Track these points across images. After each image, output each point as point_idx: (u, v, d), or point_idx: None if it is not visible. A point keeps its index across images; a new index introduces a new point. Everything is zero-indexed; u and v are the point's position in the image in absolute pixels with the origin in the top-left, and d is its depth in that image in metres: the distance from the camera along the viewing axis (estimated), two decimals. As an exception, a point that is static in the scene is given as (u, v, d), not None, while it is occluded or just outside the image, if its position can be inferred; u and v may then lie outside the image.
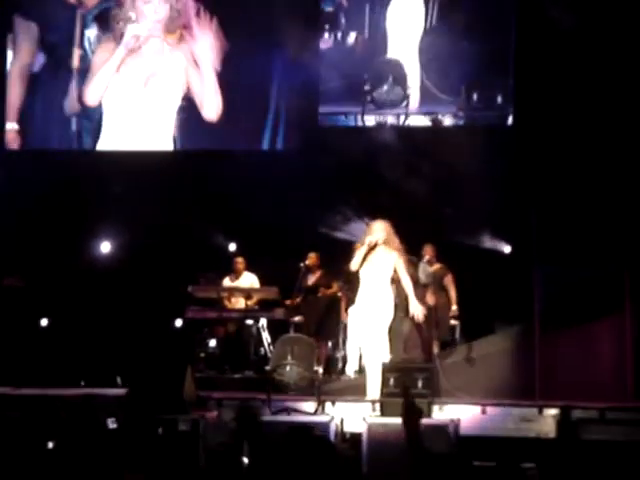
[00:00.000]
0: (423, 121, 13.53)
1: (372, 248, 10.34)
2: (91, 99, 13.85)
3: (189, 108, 13.77)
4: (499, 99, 13.02)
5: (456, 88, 13.26)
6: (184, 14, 13.78)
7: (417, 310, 10.38)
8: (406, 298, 10.54)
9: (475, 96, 13.09)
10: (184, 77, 13.71)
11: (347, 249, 11.88)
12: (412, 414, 5.67)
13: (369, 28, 13.64)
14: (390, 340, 11.15)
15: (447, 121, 13.32)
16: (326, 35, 13.70)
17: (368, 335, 10.21)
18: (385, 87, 13.37)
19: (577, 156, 11.93)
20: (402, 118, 13.46)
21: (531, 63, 12.55)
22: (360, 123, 13.57)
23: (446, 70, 13.27)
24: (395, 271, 10.37)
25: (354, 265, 10.36)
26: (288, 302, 12.12)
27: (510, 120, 13.09)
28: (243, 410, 7.52)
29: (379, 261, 10.36)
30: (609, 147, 11.88)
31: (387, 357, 10.19)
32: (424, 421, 8.66)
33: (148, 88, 13.71)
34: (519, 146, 12.42)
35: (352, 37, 13.67)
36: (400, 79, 13.40)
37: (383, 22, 13.64)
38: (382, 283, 10.33)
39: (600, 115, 12.00)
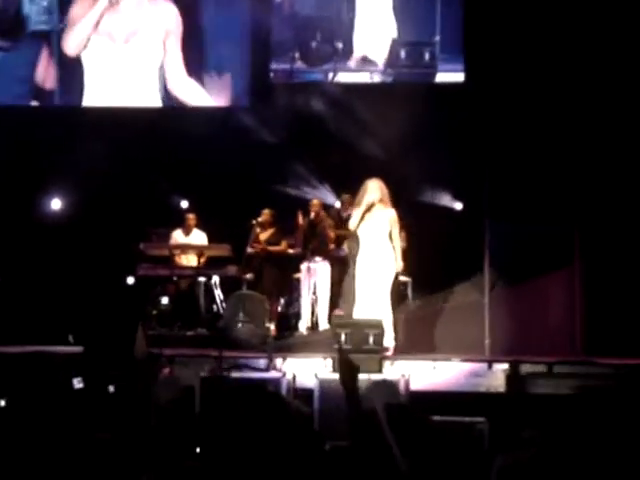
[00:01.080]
0: (356, 78, 13.42)
1: (369, 207, 10.45)
2: (70, 49, 13.55)
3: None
4: (426, 57, 12.97)
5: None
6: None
7: (400, 269, 10.56)
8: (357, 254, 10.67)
9: (402, 54, 13.02)
10: (164, 34, 13.44)
11: (303, 206, 11.94)
12: (348, 371, 5.68)
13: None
14: (342, 296, 11.24)
15: (376, 79, 13.23)
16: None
17: (373, 292, 10.31)
18: (314, 44, 13.20)
19: (529, 114, 11.95)
20: (330, 75, 13.29)
21: (482, 21, 12.52)
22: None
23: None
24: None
25: (352, 225, 10.54)
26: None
27: (437, 78, 13.08)
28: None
29: (377, 219, 10.50)
30: (561, 105, 11.91)
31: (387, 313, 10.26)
32: (374, 377, 8.76)
33: (129, 45, 13.44)
34: (471, 104, 12.41)
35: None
36: (328, 35, 13.21)
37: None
38: (382, 240, 10.47)
39: (552, 72, 12.01)
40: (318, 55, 13.15)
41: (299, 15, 13.37)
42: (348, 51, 13.19)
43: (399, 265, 10.55)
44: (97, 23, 13.43)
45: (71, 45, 13.50)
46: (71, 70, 13.44)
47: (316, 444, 5.88)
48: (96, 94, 13.46)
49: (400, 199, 11.45)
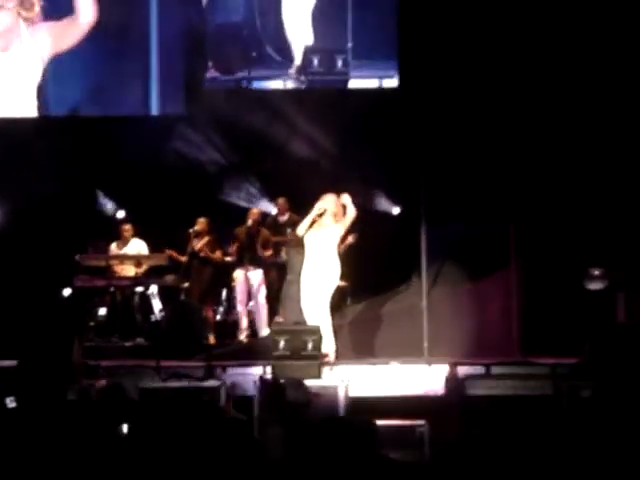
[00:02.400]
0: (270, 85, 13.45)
1: (320, 216, 10.53)
2: None
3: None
4: (339, 64, 13.04)
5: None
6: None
7: None
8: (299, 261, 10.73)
9: (315, 61, 13.08)
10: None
11: (242, 215, 11.93)
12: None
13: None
14: (281, 302, 11.24)
15: (289, 85, 13.25)
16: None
17: (313, 300, 10.39)
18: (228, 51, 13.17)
19: (461, 115, 12.04)
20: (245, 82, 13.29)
21: (415, 23, 12.59)
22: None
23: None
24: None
25: (300, 229, 10.61)
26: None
27: (349, 84, 13.14)
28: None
29: (326, 230, 10.56)
30: (492, 103, 12.01)
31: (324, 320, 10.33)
32: (314, 383, 8.76)
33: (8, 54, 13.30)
34: (405, 108, 12.48)
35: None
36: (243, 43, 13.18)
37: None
38: (328, 251, 10.53)
39: (482, 71, 12.12)
40: (231, 63, 13.14)
41: (215, 22, 13.36)
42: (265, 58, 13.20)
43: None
44: None
45: None
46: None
47: (255, 451, 5.88)
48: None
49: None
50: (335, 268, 10.55)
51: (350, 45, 12.93)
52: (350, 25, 12.92)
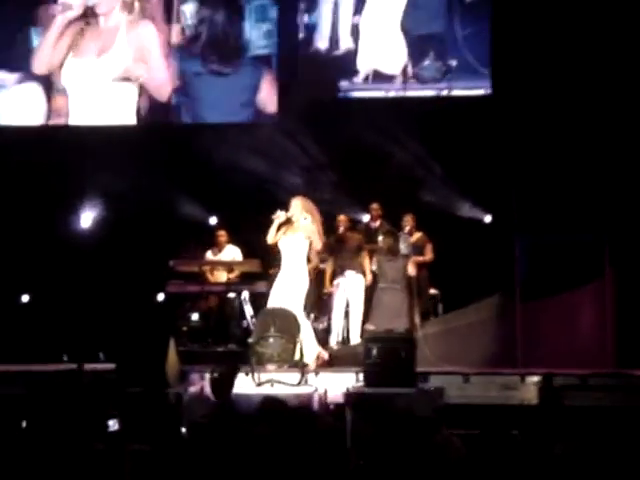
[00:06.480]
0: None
1: (286, 223, 10.65)
2: (36, 67, 13.75)
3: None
4: (442, 72, 13.09)
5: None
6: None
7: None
8: (390, 268, 10.73)
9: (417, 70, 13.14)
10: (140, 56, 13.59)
11: (331, 222, 11.95)
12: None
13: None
14: (372, 310, 11.22)
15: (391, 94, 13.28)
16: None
17: (283, 307, 10.52)
18: (427, 62, 13.23)
19: (556, 123, 11.94)
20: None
21: (509, 36, 12.54)
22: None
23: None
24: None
25: (268, 238, 10.74)
26: (272, 271, 12.11)
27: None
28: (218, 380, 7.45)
29: (293, 236, 10.68)
30: (588, 114, 11.89)
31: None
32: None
33: (101, 61, 13.59)
34: (498, 116, 12.41)
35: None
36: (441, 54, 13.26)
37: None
38: (296, 258, 10.65)
39: (578, 80, 12.01)
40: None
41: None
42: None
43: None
44: (71, 44, 13.56)
45: (36, 64, 13.68)
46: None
47: (347, 460, 5.87)
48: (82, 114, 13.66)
49: (430, 212, 11.47)
50: (303, 274, 10.64)
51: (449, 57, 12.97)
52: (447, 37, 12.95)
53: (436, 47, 13.07)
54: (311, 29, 13.53)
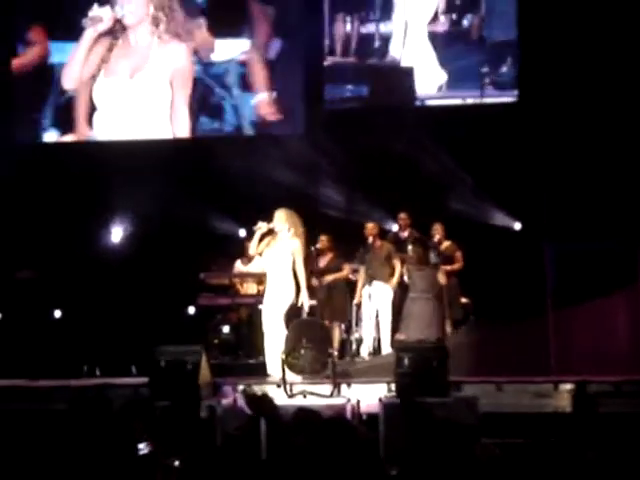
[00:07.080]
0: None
1: (269, 234, 10.69)
2: (66, 83, 13.86)
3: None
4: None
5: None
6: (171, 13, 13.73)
7: (306, 302, 10.70)
8: (420, 278, 10.78)
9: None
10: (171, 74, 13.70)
11: (358, 230, 11.94)
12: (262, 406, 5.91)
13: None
14: (403, 320, 11.19)
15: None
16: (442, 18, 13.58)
17: (267, 319, 10.62)
18: (504, 69, 13.25)
19: (586, 131, 11.90)
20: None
21: (537, 44, 12.52)
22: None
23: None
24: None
25: (250, 250, 10.87)
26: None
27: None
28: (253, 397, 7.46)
29: (277, 248, 10.69)
30: (617, 120, 11.84)
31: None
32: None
33: (134, 80, 13.68)
34: (527, 123, 12.38)
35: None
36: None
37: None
38: (281, 270, 10.66)
39: (606, 85, 11.96)
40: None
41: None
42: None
43: (303, 295, 10.69)
44: (102, 60, 13.64)
45: (65, 79, 13.78)
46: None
47: (382, 470, 5.85)
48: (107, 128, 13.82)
49: (459, 220, 11.43)
50: (287, 285, 10.63)
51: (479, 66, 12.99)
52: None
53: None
54: (385, 38, 13.61)
